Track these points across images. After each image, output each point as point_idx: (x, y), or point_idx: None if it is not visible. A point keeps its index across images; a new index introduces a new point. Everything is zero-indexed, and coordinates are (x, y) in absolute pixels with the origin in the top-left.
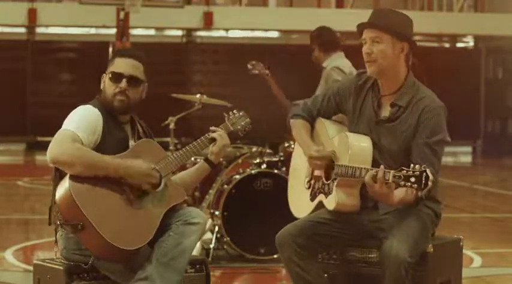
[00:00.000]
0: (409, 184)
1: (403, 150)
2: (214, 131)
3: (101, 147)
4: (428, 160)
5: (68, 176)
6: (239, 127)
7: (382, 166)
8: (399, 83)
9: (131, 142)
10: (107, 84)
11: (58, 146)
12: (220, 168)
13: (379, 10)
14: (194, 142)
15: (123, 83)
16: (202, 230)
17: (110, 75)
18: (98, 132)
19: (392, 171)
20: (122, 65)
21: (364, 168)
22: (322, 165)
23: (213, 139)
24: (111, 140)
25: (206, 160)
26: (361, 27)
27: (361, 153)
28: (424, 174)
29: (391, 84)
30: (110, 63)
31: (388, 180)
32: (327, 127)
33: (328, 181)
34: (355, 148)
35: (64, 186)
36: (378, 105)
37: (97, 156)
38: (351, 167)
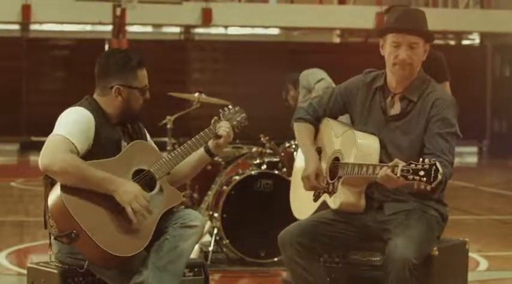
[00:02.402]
0: (418, 177)
1: (415, 146)
2: (215, 124)
3: (93, 150)
4: (441, 149)
5: (58, 184)
6: (235, 122)
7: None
8: (411, 79)
9: (123, 143)
10: (134, 97)
11: (51, 154)
12: (219, 168)
13: (407, 11)
14: (189, 142)
15: (148, 94)
16: (200, 233)
17: (140, 91)
18: (90, 135)
19: (400, 165)
20: (145, 77)
21: (371, 165)
22: (312, 190)
23: (217, 135)
24: (103, 142)
25: (208, 151)
26: (398, 31)
27: (368, 151)
28: (434, 167)
29: (405, 82)
30: (129, 74)
31: (397, 174)
32: (333, 126)
33: (333, 181)
34: (361, 146)
35: (55, 193)
36: (389, 103)
37: (89, 170)
38: (357, 165)
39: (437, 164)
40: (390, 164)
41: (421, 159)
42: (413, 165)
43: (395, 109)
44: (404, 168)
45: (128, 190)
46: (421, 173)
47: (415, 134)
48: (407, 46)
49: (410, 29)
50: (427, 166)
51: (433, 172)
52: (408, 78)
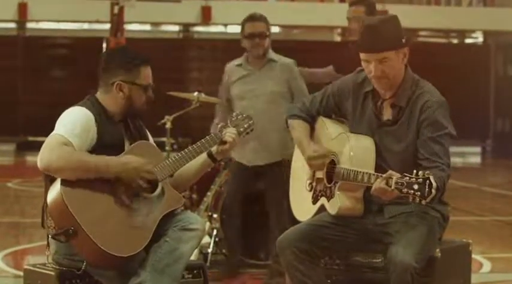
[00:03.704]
0: (412, 191)
1: (408, 151)
2: (222, 130)
3: (96, 150)
4: (435, 153)
5: (59, 180)
6: (242, 129)
7: (385, 174)
8: (398, 83)
9: (126, 143)
10: (136, 93)
11: (49, 153)
12: (218, 169)
13: (369, 27)
14: (194, 145)
15: (151, 92)
16: (200, 236)
17: (143, 88)
18: (91, 135)
19: (394, 178)
20: (149, 75)
21: (366, 173)
22: (322, 165)
23: (224, 140)
24: (106, 142)
25: (210, 156)
26: (364, 51)
27: (363, 154)
28: (428, 181)
29: (391, 87)
30: (132, 70)
31: (391, 186)
32: (328, 127)
33: (330, 184)
34: (356, 149)
35: (55, 190)
36: (379, 109)
37: (87, 156)
38: (353, 171)
39: (431, 178)
40: (384, 175)
41: (414, 171)
42: (407, 177)
43: (387, 114)
44: (399, 181)
45: (131, 166)
46: (415, 187)
47: (408, 139)
48: (378, 62)
49: (374, 49)
50: (420, 180)
51: (427, 187)
52: (392, 86)
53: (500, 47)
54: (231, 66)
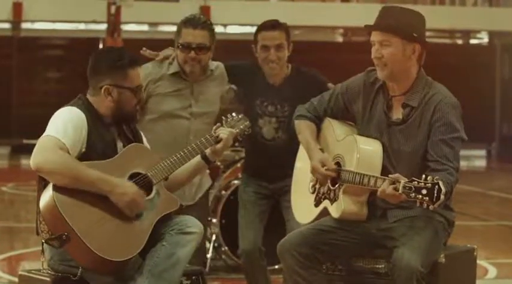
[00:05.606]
0: (420, 196)
1: (418, 152)
2: (216, 132)
3: (88, 151)
4: (445, 155)
5: (51, 184)
6: (238, 130)
7: (390, 176)
8: (410, 83)
9: (118, 144)
10: (125, 97)
11: (42, 154)
12: (218, 172)
13: (387, 9)
14: (189, 147)
15: (142, 94)
16: (198, 240)
17: (132, 91)
18: (83, 135)
19: (402, 181)
20: (137, 77)
21: (373, 176)
22: (325, 181)
23: (218, 138)
24: (98, 143)
25: (204, 157)
26: (368, 29)
27: (370, 158)
28: (437, 186)
29: (401, 85)
30: (119, 73)
31: (398, 190)
32: (335, 129)
33: (334, 187)
34: (363, 153)
35: (47, 194)
36: (389, 107)
37: (83, 169)
38: (358, 174)
39: (440, 183)
40: (392, 177)
41: (423, 176)
42: (416, 181)
43: (397, 113)
44: (407, 185)
45: (125, 192)
46: (424, 192)
47: (418, 140)
48: (379, 44)
49: (376, 26)
50: (429, 185)
51: (435, 192)
52: (392, 78)
53: (505, 48)
54: (162, 72)
